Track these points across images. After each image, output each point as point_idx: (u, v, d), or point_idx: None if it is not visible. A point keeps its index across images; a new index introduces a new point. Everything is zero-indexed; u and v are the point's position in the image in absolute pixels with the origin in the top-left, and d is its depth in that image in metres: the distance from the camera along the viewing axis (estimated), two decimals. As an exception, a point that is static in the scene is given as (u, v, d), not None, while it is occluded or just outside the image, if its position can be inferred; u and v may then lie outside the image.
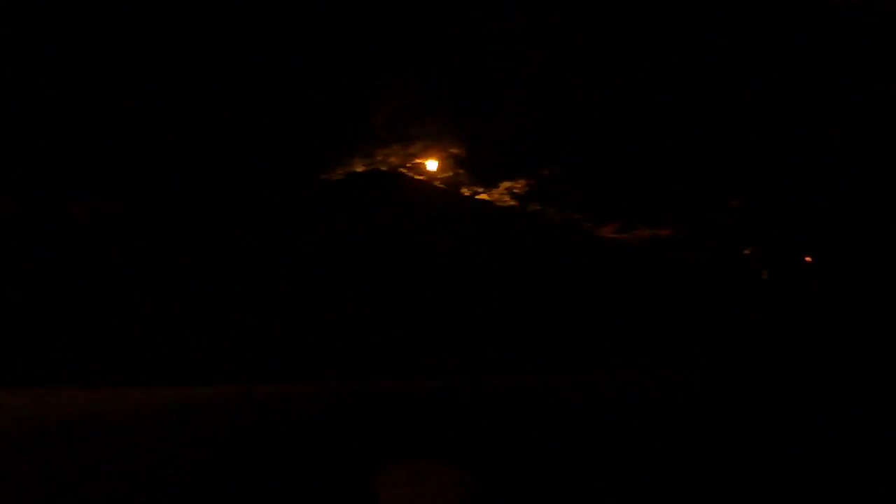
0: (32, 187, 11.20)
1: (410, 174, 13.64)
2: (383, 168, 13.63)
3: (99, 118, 11.49)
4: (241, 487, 4.16)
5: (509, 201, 13.20)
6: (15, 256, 10.23)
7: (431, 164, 13.65)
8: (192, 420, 5.84)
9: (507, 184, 13.28)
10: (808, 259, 12.23)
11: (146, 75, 11.56)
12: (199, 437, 5.28)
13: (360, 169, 13.58)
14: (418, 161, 13.69)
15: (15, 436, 5.29)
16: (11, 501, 3.94)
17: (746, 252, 12.31)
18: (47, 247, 10.63)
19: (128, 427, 5.59)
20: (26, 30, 9.46)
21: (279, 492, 4.09)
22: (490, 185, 13.36)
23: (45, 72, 10.66)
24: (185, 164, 12.21)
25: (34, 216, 11.09)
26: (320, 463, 4.56)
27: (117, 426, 5.60)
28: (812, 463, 4.61)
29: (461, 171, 13.55)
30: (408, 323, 9.12)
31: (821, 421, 5.73)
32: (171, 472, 4.42)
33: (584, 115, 12.19)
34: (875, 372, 8.01)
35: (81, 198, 11.47)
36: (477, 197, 13.36)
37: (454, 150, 13.57)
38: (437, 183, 13.52)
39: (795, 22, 10.31)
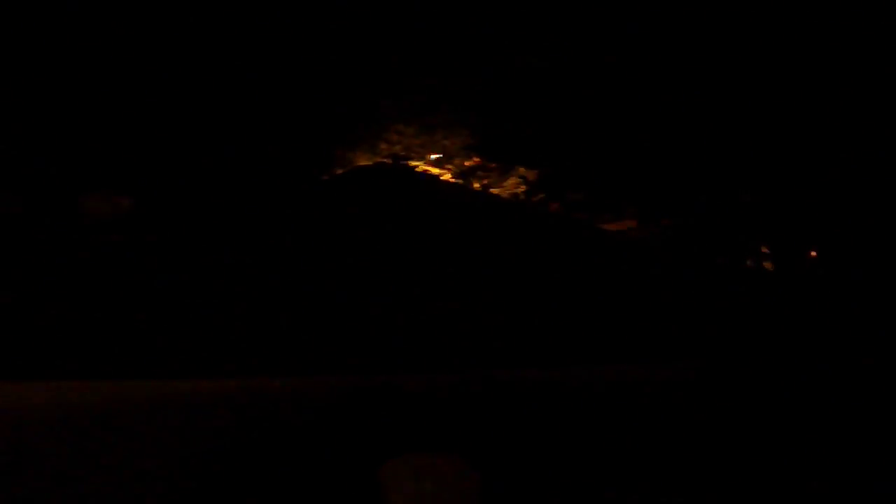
0: (38, 185, 11.26)
1: (417, 167, 13.64)
2: (390, 160, 13.65)
3: (107, 114, 11.55)
4: (246, 480, 4.18)
5: (517, 194, 13.20)
6: (21, 252, 10.28)
7: (435, 157, 13.67)
8: (196, 413, 5.85)
9: (513, 179, 13.28)
10: (813, 254, 12.19)
11: (159, 66, 11.62)
12: (203, 430, 5.30)
13: (366, 162, 13.60)
14: (425, 153, 13.71)
15: (22, 428, 5.31)
16: (20, 493, 3.97)
17: (751, 247, 12.28)
18: (52, 243, 10.69)
19: (133, 420, 5.61)
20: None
21: (284, 485, 4.10)
22: (497, 178, 13.36)
23: (51, 69, 10.72)
24: (193, 157, 12.25)
25: (39, 213, 11.14)
26: (325, 456, 4.57)
27: (122, 419, 5.63)
28: (813, 458, 4.60)
29: (469, 163, 13.55)
30: (414, 316, 9.10)
31: (823, 417, 5.72)
32: (176, 465, 4.44)
33: (589, 109, 12.17)
34: (879, 368, 7.97)
35: (86, 194, 11.53)
36: (483, 190, 13.37)
37: (463, 143, 13.58)
38: (443, 176, 13.53)
39: (802, 15, 10.26)
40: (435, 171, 13.66)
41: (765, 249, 12.20)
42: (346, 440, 4.87)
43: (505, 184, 13.29)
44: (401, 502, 3.67)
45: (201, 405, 6.11)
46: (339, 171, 13.42)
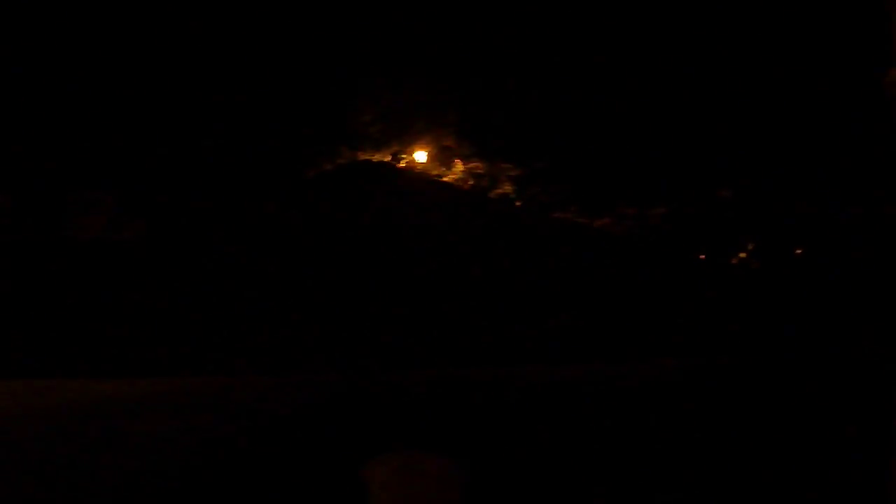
0: (28, 181, 11.17)
1: (401, 165, 13.61)
2: (374, 159, 13.61)
3: (96, 114, 11.49)
4: (231, 478, 4.15)
5: (499, 191, 13.20)
6: (8, 249, 10.20)
7: (420, 156, 13.63)
8: (182, 411, 5.81)
9: (499, 176, 13.28)
10: (798, 251, 12.25)
11: (145, 70, 11.57)
12: (188, 428, 5.26)
13: (349, 160, 13.55)
14: (408, 152, 13.68)
15: (10, 427, 5.26)
16: (7, 493, 3.92)
17: (737, 244, 12.34)
18: (41, 239, 10.60)
19: (120, 418, 5.57)
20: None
21: (268, 483, 4.07)
22: (481, 176, 13.36)
23: (44, 68, 10.65)
24: (178, 156, 12.17)
25: (29, 209, 11.06)
26: (309, 454, 4.54)
27: (110, 417, 5.59)
28: (804, 455, 4.60)
29: (451, 162, 13.54)
30: (397, 313, 9.08)
31: (809, 414, 5.73)
32: (162, 463, 4.42)
33: (573, 106, 12.20)
34: (865, 365, 8.01)
35: (75, 191, 11.46)
36: (466, 188, 13.37)
37: (445, 143, 13.57)
38: (427, 174, 13.49)
39: (789, 11, 10.31)
40: (419, 169, 13.63)
41: (750, 247, 12.26)
42: (331, 438, 4.84)
43: (489, 181, 13.28)
44: (385, 500, 3.63)
45: (187, 403, 6.07)
46: (323, 170, 13.37)
